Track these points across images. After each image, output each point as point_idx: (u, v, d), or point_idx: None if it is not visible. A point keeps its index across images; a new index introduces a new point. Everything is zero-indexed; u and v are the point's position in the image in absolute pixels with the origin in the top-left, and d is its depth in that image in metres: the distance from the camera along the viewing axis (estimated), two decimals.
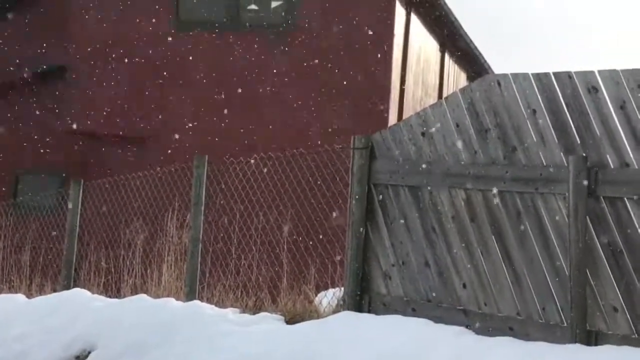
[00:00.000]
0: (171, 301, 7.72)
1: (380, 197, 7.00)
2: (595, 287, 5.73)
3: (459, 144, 6.48)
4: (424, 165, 6.67)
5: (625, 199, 5.61)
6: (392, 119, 14.65)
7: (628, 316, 5.58)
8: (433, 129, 6.66)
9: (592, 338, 5.67)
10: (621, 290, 5.62)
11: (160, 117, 14.96)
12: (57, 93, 15.77)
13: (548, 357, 5.40)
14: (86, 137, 15.30)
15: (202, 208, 8.37)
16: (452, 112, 6.55)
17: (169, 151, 14.43)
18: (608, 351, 5.36)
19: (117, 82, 14.96)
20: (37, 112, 15.97)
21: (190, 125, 14.84)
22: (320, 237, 9.20)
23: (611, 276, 5.67)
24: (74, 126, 15.21)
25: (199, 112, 14.84)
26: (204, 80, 14.89)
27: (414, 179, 6.74)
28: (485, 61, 20.76)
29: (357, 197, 7.03)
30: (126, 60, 14.99)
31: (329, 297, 7.77)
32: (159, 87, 14.96)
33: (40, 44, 16.41)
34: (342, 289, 7.28)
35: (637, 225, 5.57)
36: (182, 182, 9.97)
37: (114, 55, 15.04)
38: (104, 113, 14.98)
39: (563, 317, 5.85)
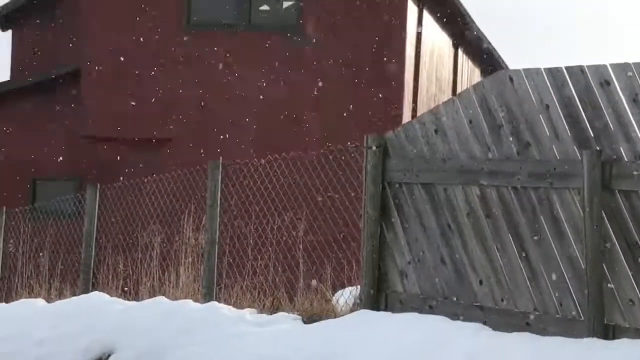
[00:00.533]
0: (189, 303, 7.74)
1: (395, 195, 7.00)
2: (611, 281, 5.71)
3: (473, 141, 6.48)
4: (438, 163, 6.67)
5: None
6: (406, 115, 14.65)
7: None
8: (446, 126, 6.65)
9: (609, 332, 5.66)
10: (638, 283, 5.60)
11: (175, 120, 15.00)
12: (72, 98, 15.83)
13: (565, 352, 5.40)
14: (102, 141, 15.35)
15: (218, 210, 8.39)
16: (464, 109, 6.54)
17: (186, 154, 14.46)
18: (625, 345, 5.35)
19: (132, 86, 15.01)
20: (54, 118, 16.04)
21: (206, 127, 14.86)
22: (336, 235, 9.21)
23: (627, 269, 5.66)
24: (90, 131, 15.27)
25: (215, 114, 14.86)
26: (219, 82, 14.91)
27: (428, 177, 6.74)
28: (500, 56, 20.72)
29: (371, 196, 7.03)
30: (140, 64, 15.03)
31: (345, 296, 7.78)
32: (174, 90, 15.00)
33: (55, 49, 16.48)
34: (359, 287, 7.29)
35: None
36: (197, 185, 9.99)
37: (128, 59, 15.08)
38: (120, 117, 15.03)
39: (580, 311, 5.84)
